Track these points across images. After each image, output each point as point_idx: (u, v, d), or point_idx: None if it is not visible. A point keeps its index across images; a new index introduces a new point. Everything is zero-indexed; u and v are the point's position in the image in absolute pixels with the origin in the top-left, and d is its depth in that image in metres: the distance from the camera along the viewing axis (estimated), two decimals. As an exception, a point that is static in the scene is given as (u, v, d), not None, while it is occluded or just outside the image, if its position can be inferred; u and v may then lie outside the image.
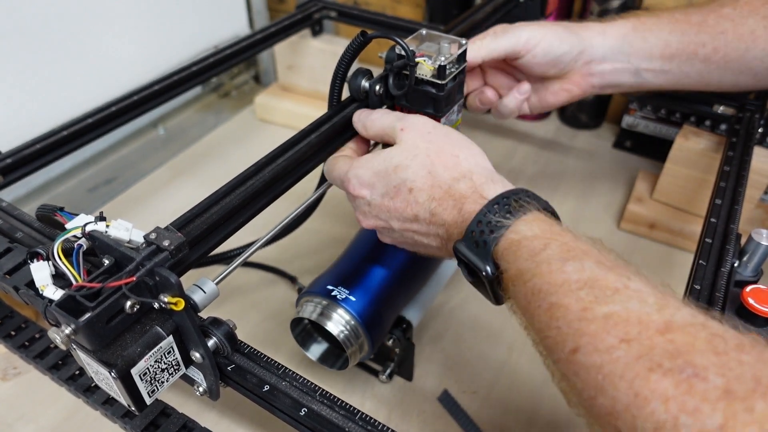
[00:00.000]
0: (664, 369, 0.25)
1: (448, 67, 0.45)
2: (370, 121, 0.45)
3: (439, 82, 0.45)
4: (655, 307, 0.28)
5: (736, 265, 0.43)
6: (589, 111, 0.90)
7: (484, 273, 0.35)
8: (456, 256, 0.37)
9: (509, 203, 0.36)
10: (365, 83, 0.47)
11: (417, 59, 0.44)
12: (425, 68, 0.45)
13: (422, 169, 0.39)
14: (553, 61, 0.53)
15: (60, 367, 0.53)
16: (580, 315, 0.29)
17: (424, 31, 0.48)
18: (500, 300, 0.37)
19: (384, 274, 0.50)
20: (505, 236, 0.34)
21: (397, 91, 0.46)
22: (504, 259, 0.34)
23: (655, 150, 0.82)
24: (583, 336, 0.28)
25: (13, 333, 0.56)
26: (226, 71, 0.71)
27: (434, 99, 0.46)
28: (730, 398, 0.23)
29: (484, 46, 0.51)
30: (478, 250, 0.35)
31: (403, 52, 0.44)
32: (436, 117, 0.47)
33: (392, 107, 0.49)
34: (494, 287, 0.36)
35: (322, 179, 0.49)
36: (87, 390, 0.51)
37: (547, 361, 0.32)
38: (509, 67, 0.57)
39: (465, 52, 0.46)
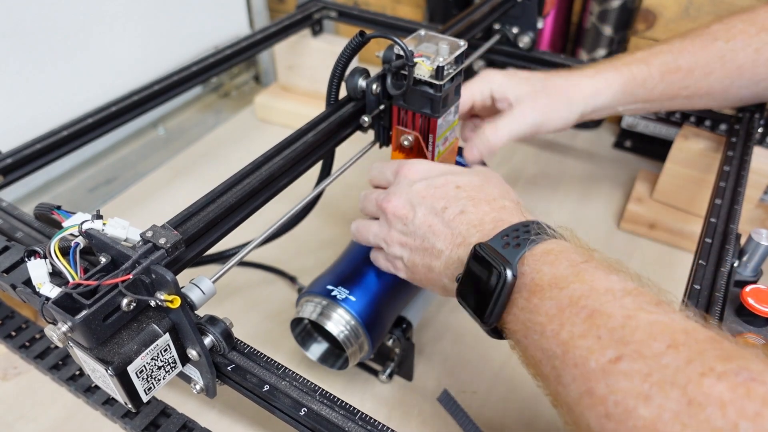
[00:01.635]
0: (718, 372, 0.24)
1: (446, 68, 0.45)
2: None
3: (437, 82, 0.45)
4: (701, 323, 0.27)
5: (735, 265, 0.43)
6: (589, 111, 0.89)
7: (503, 276, 0.33)
8: (467, 261, 0.36)
9: (551, 226, 0.36)
10: (362, 82, 0.47)
11: (415, 59, 0.44)
12: (423, 69, 0.45)
13: (477, 181, 0.42)
14: (549, 133, 0.56)
15: (60, 367, 0.53)
16: (624, 322, 0.28)
17: (422, 32, 0.48)
18: (493, 316, 0.34)
19: (384, 274, 0.50)
20: (545, 242, 0.34)
21: (396, 91, 0.46)
22: (538, 264, 0.33)
23: (655, 150, 0.82)
24: (628, 344, 0.27)
25: (13, 333, 0.56)
26: (226, 71, 0.71)
27: (432, 99, 0.46)
28: None
29: (505, 133, 0.53)
30: (507, 250, 0.34)
31: (401, 52, 0.44)
32: (433, 117, 0.47)
33: (390, 107, 0.49)
34: (500, 296, 0.33)
35: (321, 178, 0.49)
36: (87, 390, 0.51)
37: (543, 383, 0.31)
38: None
39: (463, 53, 0.46)
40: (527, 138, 0.55)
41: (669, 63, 0.53)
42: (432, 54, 0.46)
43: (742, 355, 0.24)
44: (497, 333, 0.36)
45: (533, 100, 0.53)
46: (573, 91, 0.53)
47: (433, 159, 0.49)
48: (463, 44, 0.46)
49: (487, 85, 0.54)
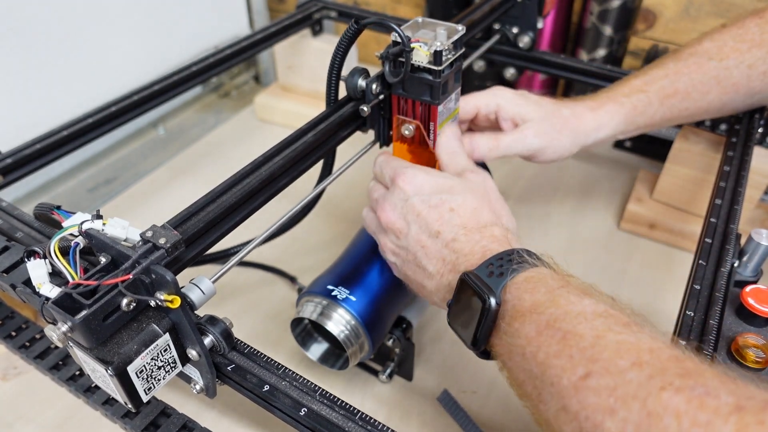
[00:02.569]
0: (676, 387, 0.25)
1: (444, 53, 0.44)
2: (449, 151, 0.48)
3: (436, 68, 0.44)
4: (666, 344, 0.29)
5: (735, 265, 0.43)
6: (589, 111, 0.89)
7: (488, 303, 0.35)
8: (456, 287, 0.38)
9: (534, 254, 0.37)
10: (362, 82, 0.47)
11: (412, 44, 0.44)
12: (421, 54, 0.44)
13: (471, 203, 0.42)
14: (549, 162, 0.55)
15: (60, 367, 0.53)
16: (594, 342, 0.29)
17: (420, 19, 0.47)
18: (480, 340, 0.36)
19: (384, 274, 0.50)
20: (526, 271, 0.36)
21: (393, 79, 0.46)
22: (519, 292, 0.35)
23: (655, 150, 0.81)
24: (597, 361, 0.28)
25: (13, 333, 0.56)
26: (226, 71, 0.71)
27: (431, 86, 0.45)
28: (742, 413, 0.23)
29: (503, 149, 0.52)
30: (491, 279, 0.36)
31: (398, 39, 0.43)
32: (433, 104, 0.47)
33: (389, 96, 0.49)
34: (486, 322, 0.35)
35: (321, 177, 0.49)
36: (87, 390, 0.51)
37: (528, 402, 0.33)
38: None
39: (461, 38, 0.46)
40: (520, 158, 0.55)
41: (667, 88, 0.54)
42: (429, 40, 0.45)
43: (701, 373, 0.26)
44: (486, 354, 0.38)
45: (539, 126, 0.52)
46: (577, 125, 0.53)
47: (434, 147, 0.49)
48: (461, 29, 0.46)
49: (494, 99, 0.53)
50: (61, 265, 0.33)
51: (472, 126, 0.57)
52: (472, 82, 0.89)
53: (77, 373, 0.53)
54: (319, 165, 0.51)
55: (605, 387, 0.27)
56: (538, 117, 0.53)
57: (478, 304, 0.35)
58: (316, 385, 0.37)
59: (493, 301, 0.34)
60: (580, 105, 0.54)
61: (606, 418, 0.26)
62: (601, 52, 0.83)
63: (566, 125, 0.53)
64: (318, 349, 0.52)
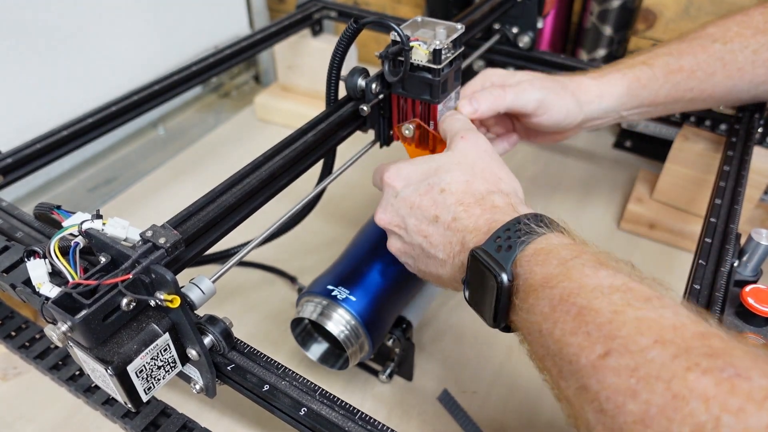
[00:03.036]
0: (703, 367, 0.24)
1: (443, 51, 0.44)
2: (447, 116, 0.47)
3: (435, 66, 0.44)
4: (690, 318, 0.27)
5: (735, 264, 0.43)
6: (589, 111, 0.89)
7: (499, 280, 0.33)
8: (468, 266, 0.36)
9: (543, 219, 0.36)
10: (361, 81, 0.47)
11: (411, 43, 0.44)
12: (420, 53, 0.44)
13: (462, 176, 0.40)
14: (555, 125, 0.53)
15: (60, 367, 0.53)
16: (612, 318, 0.28)
17: (419, 18, 0.47)
18: (499, 317, 0.35)
19: (384, 274, 0.50)
20: (535, 242, 0.34)
21: (393, 78, 0.46)
22: (530, 265, 0.33)
23: (655, 150, 0.81)
24: (615, 339, 0.27)
25: (13, 333, 0.56)
26: (226, 71, 0.71)
27: (430, 85, 0.45)
28: None
29: (504, 102, 0.50)
30: (500, 254, 0.34)
31: (398, 38, 0.43)
32: (433, 103, 0.47)
33: (389, 96, 0.49)
34: (501, 299, 0.34)
35: (321, 177, 0.49)
36: (87, 390, 0.51)
37: (548, 377, 0.31)
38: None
39: (461, 36, 0.46)
40: (531, 124, 0.54)
41: (671, 64, 0.53)
42: (429, 38, 0.45)
43: (730, 351, 0.24)
44: (508, 329, 0.36)
45: (541, 82, 0.52)
46: (579, 92, 0.53)
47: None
48: (460, 27, 0.46)
49: (487, 78, 0.53)
50: (61, 264, 0.33)
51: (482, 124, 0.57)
52: (472, 82, 0.89)
53: (77, 373, 0.53)
54: (319, 165, 0.51)
55: (625, 367, 0.26)
56: (540, 77, 0.53)
57: (491, 281, 0.34)
58: (316, 385, 0.37)
59: (504, 277, 0.33)
60: (581, 75, 0.54)
61: (627, 400, 0.25)
62: (601, 52, 0.83)
63: (568, 89, 0.52)
64: (318, 349, 0.52)
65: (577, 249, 0.33)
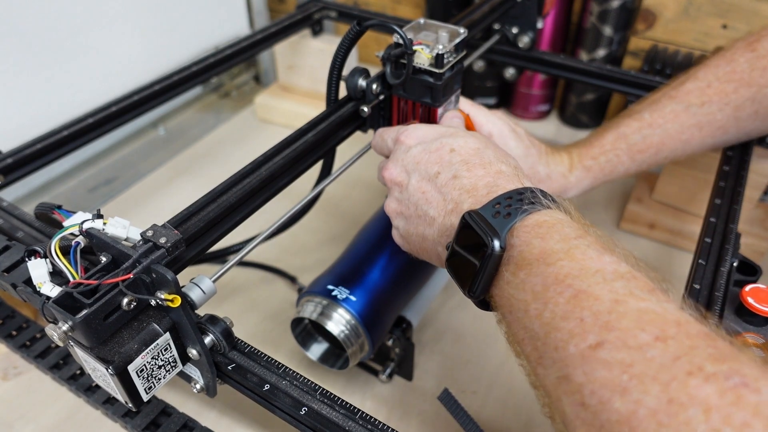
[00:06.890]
0: (707, 373, 0.22)
1: (446, 56, 0.44)
2: (446, 117, 0.48)
3: (437, 71, 0.44)
4: (694, 317, 0.25)
5: (735, 264, 0.43)
6: (589, 111, 0.89)
7: (490, 247, 0.31)
8: (458, 228, 0.34)
9: (550, 195, 0.33)
10: (362, 82, 0.47)
11: (414, 47, 0.44)
12: (423, 57, 0.45)
13: (474, 144, 0.39)
14: None
15: (61, 366, 0.53)
16: (611, 307, 0.26)
17: (421, 20, 0.48)
18: (478, 288, 0.32)
19: (384, 274, 0.50)
20: (538, 213, 0.31)
21: (395, 80, 0.46)
22: (528, 237, 0.31)
23: (656, 150, 0.81)
24: (612, 330, 0.25)
25: (14, 333, 0.56)
26: (227, 71, 0.72)
27: (432, 88, 0.46)
28: None
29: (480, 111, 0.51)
30: (496, 220, 0.32)
31: (400, 41, 0.44)
32: (434, 107, 0.47)
33: (389, 97, 0.49)
34: (487, 268, 0.31)
35: (321, 177, 0.49)
36: (88, 389, 0.51)
37: (525, 362, 0.30)
38: None
39: (463, 41, 0.46)
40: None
41: (638, 144, 0.51)
42: (431, 42, 0.45)
43: (737, 356, 0.22)
44: (485, 305, 0.34)
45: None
46: (548, 185, 0.51)
47: None
48: (462, 31, 0.46)
49: (488, 126, 0.51)
50: (62, 264, 0.33)
51: None
52: (472, 83, 0.90)
53: (78, 372, 0.53)
54: (319, 165, 0.51)
55: (619, 361, 0.24)
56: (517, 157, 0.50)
57: (479, 248, 0.31)
58: (316, 385, 0.37)
59: (496, 244, 0.30)
60: (558, 167, 0.52)
61: (615, 397, 0.23)
62: (601, 52, 0.83)
63: (538, 181, 0.51)
64: (318, 348, 0.52)
65: (582, 229, 0.31)
